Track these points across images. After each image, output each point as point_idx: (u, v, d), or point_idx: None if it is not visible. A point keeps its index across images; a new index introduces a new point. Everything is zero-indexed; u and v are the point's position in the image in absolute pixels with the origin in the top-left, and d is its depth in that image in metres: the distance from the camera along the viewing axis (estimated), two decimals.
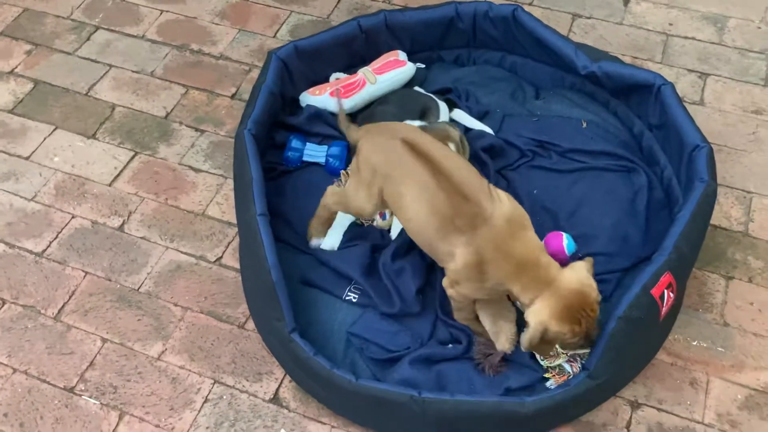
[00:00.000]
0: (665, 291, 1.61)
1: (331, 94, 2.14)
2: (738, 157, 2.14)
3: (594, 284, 1.56)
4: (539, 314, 1.53)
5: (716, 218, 1.99)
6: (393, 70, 2.16)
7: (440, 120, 2.04)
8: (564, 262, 1.71)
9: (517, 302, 1.64)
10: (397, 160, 1.67)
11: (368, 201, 1.73)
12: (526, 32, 2.18)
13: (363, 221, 1.95)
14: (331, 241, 1.90)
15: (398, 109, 2.06)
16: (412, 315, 1.78)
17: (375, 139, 1.74)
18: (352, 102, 2.13)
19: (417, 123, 1.97)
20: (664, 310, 1.62)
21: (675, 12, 2.54)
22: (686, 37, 2.47)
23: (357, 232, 1.93)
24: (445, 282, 1.67)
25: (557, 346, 1.63)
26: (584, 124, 2.11)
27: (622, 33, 2.49)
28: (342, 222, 1.93)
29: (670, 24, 2.51)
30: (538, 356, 1.69)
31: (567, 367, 1.68)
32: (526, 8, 2.52)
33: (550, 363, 1.68)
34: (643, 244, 1.87)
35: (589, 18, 2.54)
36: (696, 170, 1.80)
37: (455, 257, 1.59)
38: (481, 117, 2.14)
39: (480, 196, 1.59)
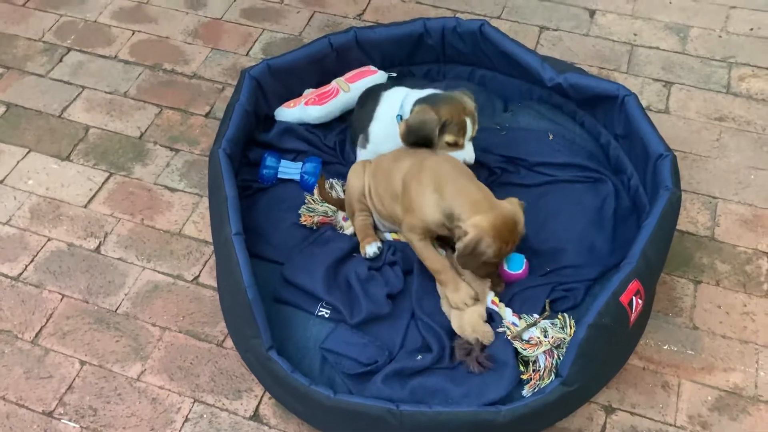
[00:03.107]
0: (633, 298, 1.65)
1: (306, 103, 2.18)
2: (703, 164, 2.19)
3: (523, 220, 1.76)
4: (479, 225, 1.70)
5: (683, 224, 2.04)
6: (365, 78, 2.21)
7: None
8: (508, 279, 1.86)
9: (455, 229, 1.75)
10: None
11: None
12: (493, 46, 2.22)
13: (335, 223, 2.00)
14: None
15: (361, 106, 2.11)
16: (381, 317, 1.80)
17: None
18: (326, 109, 2.17)
19: (428, 90, 1.97)
20: (633, 316, 1.66)
21: (639, 23, 2.60)
22: (650, 47, 2.52)
23: (319, 239, 1.96)
24: (405, 230, 1.83)
25: (540, 335, 1.71)
26: (551, 137, 2.15)
27: (589, 44, 2.54)
28: None
29: (635, 34, 2.57)
30: (519, 347, 1.71)
31: (542, 360, 1.70)
32: (495, 22, 2.58)
33: (533, 352, 1.70)
34: (610, 253, 1.91)
35: (556, 30, 2.59)
36: (661, 178, 1.85)
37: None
38: None
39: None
